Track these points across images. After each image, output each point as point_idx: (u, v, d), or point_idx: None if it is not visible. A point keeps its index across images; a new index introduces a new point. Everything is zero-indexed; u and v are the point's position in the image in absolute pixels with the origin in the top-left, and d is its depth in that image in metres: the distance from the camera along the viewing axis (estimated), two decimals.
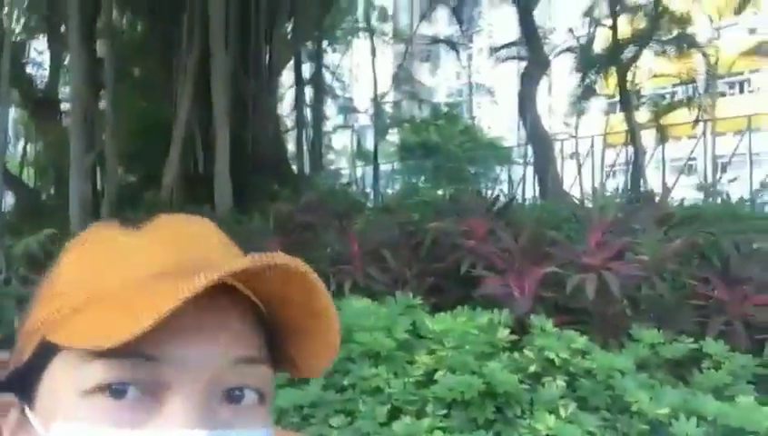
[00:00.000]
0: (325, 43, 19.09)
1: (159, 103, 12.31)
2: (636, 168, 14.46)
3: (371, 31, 21.73)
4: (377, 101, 21.34)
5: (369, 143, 22.72)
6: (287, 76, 16.95)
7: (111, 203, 10.12)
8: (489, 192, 10.90)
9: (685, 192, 10.93)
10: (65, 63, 16.75)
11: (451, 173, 17.40)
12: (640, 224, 5.07)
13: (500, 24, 21.64)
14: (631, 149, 15.01)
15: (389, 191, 16.26)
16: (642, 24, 15.42)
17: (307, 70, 17.92)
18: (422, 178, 18.88)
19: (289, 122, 17.66)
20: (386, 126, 23.11)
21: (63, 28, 14.25)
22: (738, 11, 17.61)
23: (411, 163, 20.35)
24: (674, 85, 18.18)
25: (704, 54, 15.97)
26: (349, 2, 20.07)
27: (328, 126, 21.52)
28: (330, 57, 21.84)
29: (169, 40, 12.25)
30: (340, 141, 25.74)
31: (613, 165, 17.01)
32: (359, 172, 21.47)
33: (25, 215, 12.76)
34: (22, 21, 16.15)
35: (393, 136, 24.33)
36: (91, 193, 10.78)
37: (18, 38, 15.54)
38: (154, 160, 11.13)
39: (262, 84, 12.82)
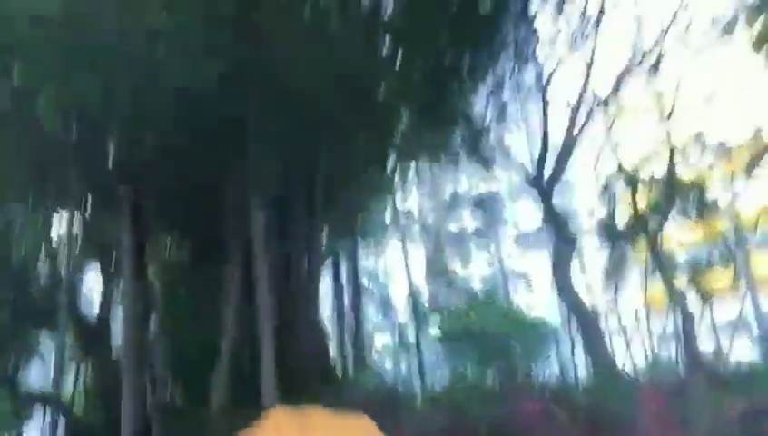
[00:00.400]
0: (357, 244, 20.05)
1: (206, 320, 12.81)
2: (685, 333, 14.14)
3: (402, 231, 22.82)
4: (413, 294, 21.75)
5: (411, 335, 22.77)
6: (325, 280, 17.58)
7: (160, 422, 10.17)
8: (537, 372, 10.73)
9: (738, 350, 10.62)
10: (114, 287, 17.75)
11: (496, 355, 17.16)
12: (696, 392, 4.97)
13: (524, 211, 22.65)
14: (675, 314, 14.81)
15: (436, 381, 15.98)
16: (660, 194, 16.00)
17: (341, 271, 18.63)
18: (467, 364, 18.58)
19: (329, 322, 17.98)
20: (425, 317, 23.30)
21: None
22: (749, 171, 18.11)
23: (455, 349, 20.17)
24: (704, 247, 18.31)
25: (726, 215, 16.32)
26: (379, 205, 21.34)
27: (368, 324, 21.80)
28: (365, 258, 22.74)
29: (213, 256, 13.04)
30: (381, 337, 25.85)
31: (661, 334, 16.65)
32: (403, 365, 21.25)
33: None
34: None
35: (434, 327, 24.36)
36: (141, 414, 10.89)
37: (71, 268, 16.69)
38: (203, 374, 11.33)
39: (302, 290, 13.35)
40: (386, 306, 25.08)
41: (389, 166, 18.25)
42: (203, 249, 12.81)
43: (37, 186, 14.19)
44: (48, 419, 15.77)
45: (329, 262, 16.84)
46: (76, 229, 16.28)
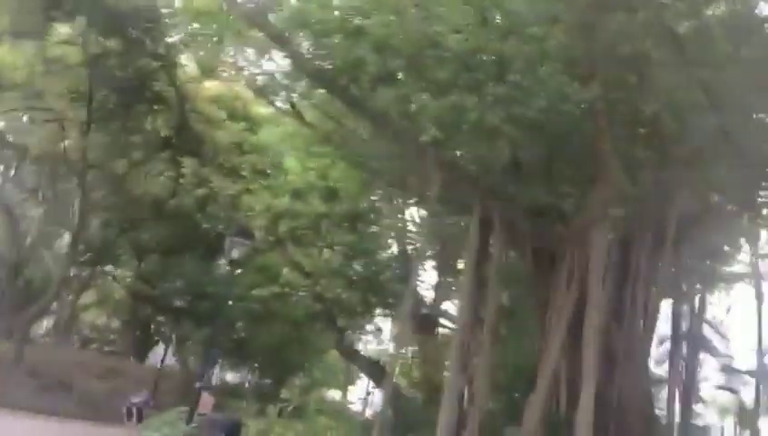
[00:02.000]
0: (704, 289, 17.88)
1: (529, 338, 12.87)
2: None
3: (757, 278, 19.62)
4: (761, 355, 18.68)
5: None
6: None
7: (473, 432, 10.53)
8: None
9: None
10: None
11: None
12: None
13: None
14: None
15: None
16: None
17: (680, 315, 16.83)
18: None
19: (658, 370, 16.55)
20: None
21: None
22: None
23: None
24: None
25: None
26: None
27: (704, 384, 19.48)
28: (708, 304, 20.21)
29: (547, 277, 12.97)
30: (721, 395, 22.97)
31: None
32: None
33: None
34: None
35: None
36: (457, 415, 11.42)
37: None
38: (518, 393, 11.42)
39: (635, 331, 12.43)
40: (728, 368, 22.06)
41: None
42: (540, 268, 12.84)
43: (397, 181, 16.02)
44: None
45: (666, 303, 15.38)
46: (424, 222, 17.94)
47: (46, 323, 37.18)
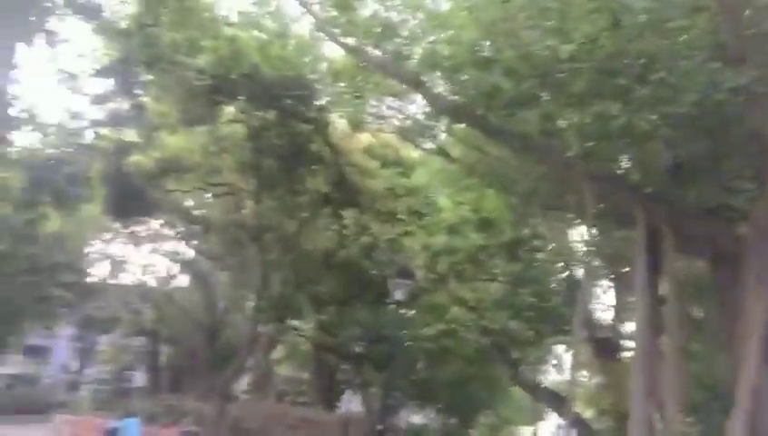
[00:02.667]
0: None
1: (722, 352, 11.67)
2: None
3: None
4: None
5: None
6: None
7: None
8: None
9: None
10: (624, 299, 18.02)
11: None
12: None
13: None
14: None
15: None
16: None
17: None
18: None
19: None
20: None
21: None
22: None
23: None
24: None
25: None
26: None
27: None
28: None
29: (730, 283, 11.75)
30: None
31: None
32: None
33: None
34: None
35: None
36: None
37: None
38: (715, 414, 10.32)
39: None
40: None
41: None
42: (721, 273, 11.66)
43: (553, 202, 15.57)
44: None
45: None
46: (589, 241, 17.14)
47: (246, 380, 40.36)
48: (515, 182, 14.81)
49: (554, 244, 19.06)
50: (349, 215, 21.81)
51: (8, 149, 15.46)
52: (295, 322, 28.62)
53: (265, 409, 27.10)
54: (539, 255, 18.54)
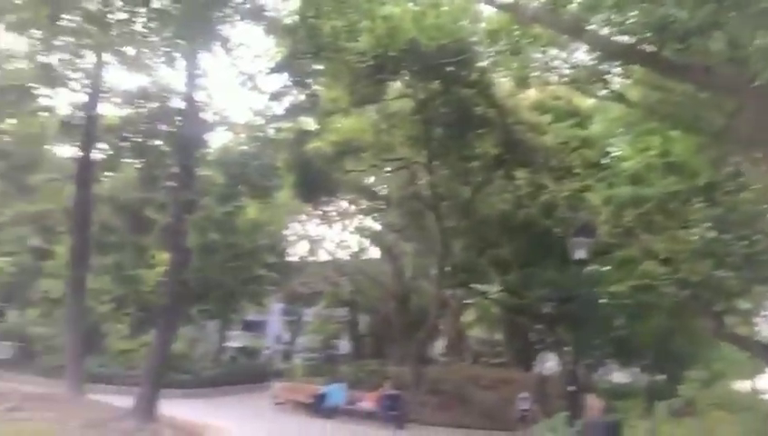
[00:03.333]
0: None
1: None
2: None
3: None
4: None
5: None
6: None
7: None
8: None
9: None
10: None
11: None
12: None
13: None
14: None
15: None
16: None
17: None
18: None
19: None
20: None
21: None
22: None
23: None
24: None
25: None
26: None
27: None
28: None
29: None
30: None
31: None
32: None
33: None
34: None
35: None
36: None
37: None
38: None
39: None
40: None
41: None
42: None
43: (757, 135, 13.80)
44: None
45: None
46: None
47: (442, 344, 41.62)
48: (704, 120, 13.43)
49: (759, 184, 16.93)
50: (522, 176, 21.31)
51: (206, 151, 17.26)
52: (481, 286, 28.82)
53: (461, 370, 27.80)
54: (742, 196, 16.59)
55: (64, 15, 12.98)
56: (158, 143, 16.42)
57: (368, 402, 22.25)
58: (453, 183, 22.61)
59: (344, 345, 41.50)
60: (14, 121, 19.90)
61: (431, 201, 22.56)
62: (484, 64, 17.81)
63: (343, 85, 18.88)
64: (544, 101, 20.16)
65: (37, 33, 13.75)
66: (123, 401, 15.20)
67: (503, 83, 18.87)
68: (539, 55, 15.57)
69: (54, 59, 15.46)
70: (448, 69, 18.22)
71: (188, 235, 15.00)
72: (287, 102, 18.76)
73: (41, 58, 15.08)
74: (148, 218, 16.57)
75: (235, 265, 22.03)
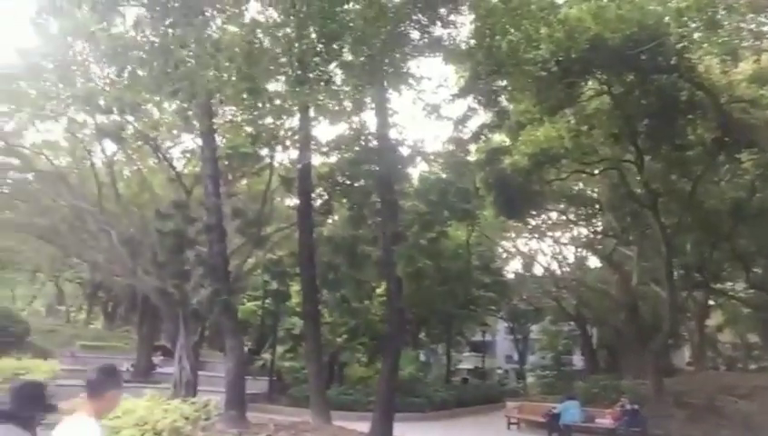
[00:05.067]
0: None
1: None
2: None
3: None
4: None
5: None
6: None
7: None
8: None
9: None
10: None
11: None
12: None
13: None
14: None
15: None
16: None
17: None
18: None
19: None
20: None
21: None
22: None
23: None
24: None
25: None
26: None
27: None
28: None
29: None
30: None
31: None
32: None
33: None
34: None
35: None
36: None
37: None
38: None
39: None
40: None
41: None
42: None
43: None
44: None
45: None
46: None
47: (686, 353, 38.13)
48: None
49: None
50: (749, 157, 18.93)
51: (406, 183, 18.17)
52: (723, 285, 25.96)
53: (711, 379, 25.20)
54: None
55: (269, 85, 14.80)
56: (362, 183, 17.67)
57: (605, 419, 21.14)
58: (669, 176, 20.87)
59: (577, 360, 39.97)
60: (243, 181, 22.95)
61: (647, 199, 21.04)
62: (680, 45, 16.39)
63: (531, 96, 18.63)
64: (761, 72, 17.78)
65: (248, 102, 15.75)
66: (365, 426, 16.23)
67: (708, 61, 17.12)
68: (744, 25, 14.03)
69: (267, 122, 17.58)
70: (641, 58, 17.05)
71: (399, 264, 15.86)
72: (475, 124, 19.06)
73: (256, 123, 17.19)
74: (362, 253, 17.83)
75: (447, 289, 22.59)
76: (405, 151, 17.66)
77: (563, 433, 20.79)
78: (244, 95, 11.03)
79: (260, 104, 13.68)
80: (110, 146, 24.41)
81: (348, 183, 18.41)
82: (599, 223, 29.46)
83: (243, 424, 15.84)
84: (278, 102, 14.99)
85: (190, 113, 19.62)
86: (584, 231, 31.84)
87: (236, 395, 17.17)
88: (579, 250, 34.22)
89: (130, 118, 20.27)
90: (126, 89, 15.17)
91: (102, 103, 19.85)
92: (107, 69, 17.46)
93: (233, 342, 17.81)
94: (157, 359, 32.15)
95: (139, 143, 22.88)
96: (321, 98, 15.41)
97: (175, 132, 23.54)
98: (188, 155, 23.19)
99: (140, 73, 10.05)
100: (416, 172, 20.94)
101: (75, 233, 24.62)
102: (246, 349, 31.45)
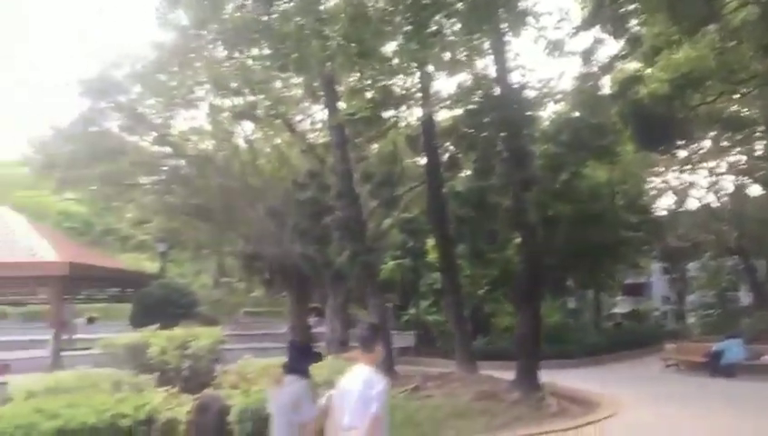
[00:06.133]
0: None
1: None
2: None
3: None
4: None
5: None
6: None
7: None
8: None
9: None
10: None
11: None
12: None
13: None
14: None
15: None
16: None
17: None
18: None
19: None
20: None
21: None
22: None
23: None
24: None
25: None
26: None
27: None
28: None
29: None
30: None
31: None
32: None
33: None
34: None
35: None
36: None
37: None
38: None
39: None
40: None
41: None
42: None
43: None
44: None
45: None
46: None
47: None
48: None
49: None
50: None
51: (534, 127, 17.52)
52: None
53: None
54: None
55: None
56: (488, 133, 17.30)
57: None
58: None
59: (744, 296, 36.95)
60: (373, 145, 23.38)
61: None
62: None
63: (666, 17, 17.06)
64: None
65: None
66: (511, 375, 16.29)
67: None
68: None
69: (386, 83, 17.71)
70: None
71: (530, 212, 15.48)
72: (603, 55, 17.87)
73: (375, 86, 17.36)
74: (492, 203, 17.59)
75: (588, 232, 21.60)
76: (530, 94, 17.01)
77: (725, 372, 19.54)
78: (355, 60, 11.15)
79: (376, 67, 13.78)
80: (247, 126, 25.93)
81: (472, 132, 18.12)
82: (759, 147, 26.68)
83: (392, 377, 16.52)
84: (395, 61, 14.99)
85: (315, 84, 20.28)
86: (742, 157, 29.01)
87: None
88: (738, 178, 31.24)
89: (260, 96, 21.32)
90: (251, 70, 15.93)
91: (234, 85, 21.05)
92: (235, 52, 18.36)
93: (375, 300, 18.48)
94: (312, 320, 34.17)
95: (273, 119, 24.02)
96: (435, 51, 15.20)
97: (306, 103, 24.46)
98: (317, 126, 24.02)
99: (254, 51, 10.50)
100: (545, 114, 20.16)
101: (226, 210, 26.58)
102: (391, 305, 32.50)
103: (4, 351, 23.24)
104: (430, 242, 24.26)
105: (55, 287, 16.08)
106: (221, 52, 18.57)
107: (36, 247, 16.63)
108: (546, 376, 16.13)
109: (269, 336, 31.01)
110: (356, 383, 4.64)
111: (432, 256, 25.03)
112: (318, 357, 5.90)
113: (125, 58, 22.88)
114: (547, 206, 15.78)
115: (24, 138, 59.54)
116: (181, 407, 8.82)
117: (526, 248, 16.11)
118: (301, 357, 5.55)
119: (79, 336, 29.16)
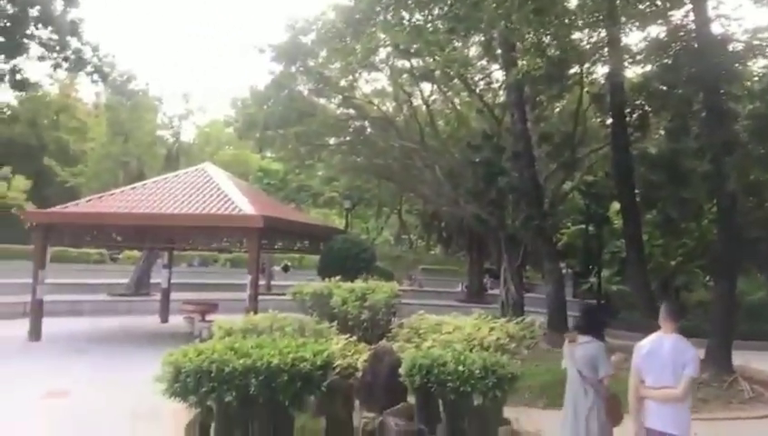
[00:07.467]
0: None
1: None
2: None
3: None
4: None
5: None
6: None
7: None
8: None
9: None
10: None
11: None
12: None
13: None
14: None
15: None
16: None
17: None
18: None
19: None
20: None
21: None
22: None
23: None
24: None
25: None
26: None
27: None
28: None
29: None
30: None
31: None
32: None
33: None
34: None
35: None
36: None
37: None
38: None
39: None
40: None
41: None
42: None
43: None
44: None
45: None
46: None
47: None
48: None
49: None
50: None
51: (737, 84, 15.59)
52: None
53: None
54: None
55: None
56: (683, 90, 15.76)
57: None
58: None
59: None
60: (556, 105, 22.38)
61: None
62: None
63: None
64: None
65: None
66: (701, 354, 15.03)
67: None
68: None
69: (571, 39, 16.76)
70: None
71: (730, 178, 13.91)
72: None
73: (559, 42, 16.49)
74: (686, 168, 16.06)
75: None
76: (735, 47, 15.12)
77: None
78: (531, 17, 10.71)
79: (554, 21, 13.14)
80: (426, 87, 26.17)
81: (665, 90, 16.59)
82: None
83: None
84: (573, 16, 14.21)
85: (493, 43, 19.85)
86: None
87: (557, 316, 17.43)
88: None
89: (437, 57, 21.33)
90: (427, 31, 15.96)
91: (414, 48, 21.24)
92: (416, 15, 18.46)
93: (551, 266, 17.99)
94: (488, 281, 34.23)
95: (451, 79, 23.98)
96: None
97: (484, 62, 24.07)
98: (494, 86, 23.56)
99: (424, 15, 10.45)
100: (754, 69, 17.77)
101: (406, 170, 27.28)
102: (571, 272, 31.36)
103: (214, 292, 26.43)
104: (614, 207, 22.92)
105: (253, 238, 17.74)
106: (397, 14, 18.77)
107: (238, 201, 18.46)
108: (742, 358, 14.71)
109: (444, 294, 31.72)
110: (663, 347, 5.25)
111: (617, 222, 23.68)
112: (612, 316, 6.69)
113: (312, 23, 24.08)
114: (749, 173, 14.04)
115: (228, 100, 65.60)
116: (358, 355, 9.40)
117: (724, 218, 14.60)
118: (594, 319, 6.24)
119: (274, 282, 32.09)
